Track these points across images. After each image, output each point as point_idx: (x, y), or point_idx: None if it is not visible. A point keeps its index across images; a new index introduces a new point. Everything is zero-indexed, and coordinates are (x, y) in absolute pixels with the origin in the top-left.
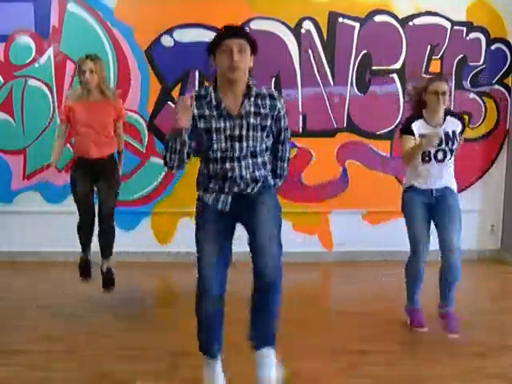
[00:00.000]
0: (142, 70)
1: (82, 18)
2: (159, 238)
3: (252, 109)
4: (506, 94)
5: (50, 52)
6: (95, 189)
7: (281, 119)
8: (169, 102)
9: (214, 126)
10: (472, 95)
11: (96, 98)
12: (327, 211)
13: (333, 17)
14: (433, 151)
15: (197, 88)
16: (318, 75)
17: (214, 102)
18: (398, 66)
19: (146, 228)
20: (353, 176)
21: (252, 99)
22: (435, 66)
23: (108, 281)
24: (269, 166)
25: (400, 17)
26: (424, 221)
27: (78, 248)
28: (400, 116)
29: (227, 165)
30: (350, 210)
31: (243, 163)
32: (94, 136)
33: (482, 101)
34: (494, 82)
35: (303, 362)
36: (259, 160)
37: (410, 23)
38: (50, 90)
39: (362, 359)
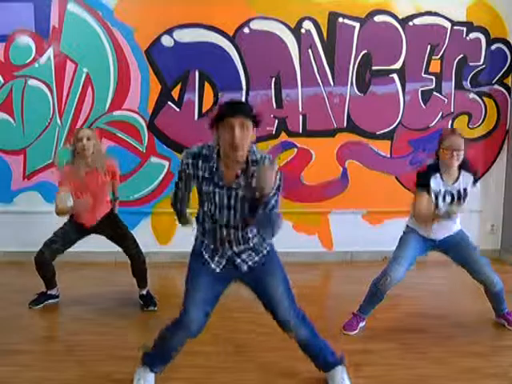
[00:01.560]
0: (142, 70)
1: (82, 18)
2: (159, 238)
3: (243, 181)
4: (506, 93)
5: (50, 52)
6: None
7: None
8: (169, 102)
9: (204, 188)
10: (472, 95)
11: (90, 166)
12: (327, 211)
13: (333, 17)
14: (443, 209)
15: (197, 148)
16: (317, 75)
17: (213, 168)
18: (397, 66)
19: (146, 228)
20: (353, 176)
21: (249, 171)
22: (435, 66)
23: (150, 302)
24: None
25: (400, 17)
26: (413, 254)
27: (78, 248)
28: (400, 116)
29: (217, 227)
30: (349, 210)
31: (231, 231)
32: (92, 205)
33: (482, 101)
34: (493, 82)
35: (303, 362)
36: (249, 229)
37: (410, 23)
38: (50, 90)
39: (362, 359)
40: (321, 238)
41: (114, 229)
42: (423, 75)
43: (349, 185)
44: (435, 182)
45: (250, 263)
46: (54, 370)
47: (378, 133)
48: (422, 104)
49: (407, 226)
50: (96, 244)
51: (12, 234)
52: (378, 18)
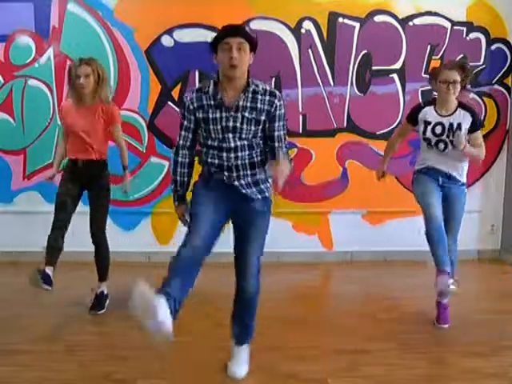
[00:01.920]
0: (142, 70)
1: (82, 18)
2: (159, 238)
3: (248, 103)
4: (506, 93)
5: (50, 52)
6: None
7: (275, 118)
8: (169, 102)
9: (210, 116)
10: (472, 95)
11: (87, 103)
12: (327, 211)
13: (333, 17)
14: (433, 141)
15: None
16: (317, 75)
17: (211, 94)
18: (397, 66)
19: (146, 228)
20: (353, 176)
21: (250, 95)
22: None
23: (98, 304)
24: (267, 167)
25: (400, 17)
26: (435, 190)
27: (79, 248)
28: (400, 116)
29: (224, 154)
30: (349, 210)
31: (239, 154)
32: (81, 142)
33: (482, 101)
34: (493, 82)
35: (303, 362)
36: (254, 153)
37: (410, 23)
38: (50, 89)
39: (361, 359)
40: (321, 238)
41: (97, 181)
42: (423, 75)
43: (349, 185)
44: (428, 113)
45: (248, 191)
46: (53, 370)
47: (377, 133)
48: (422, 104)
49: (414, 171)
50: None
51: (12, 234)
52: (378, 18)
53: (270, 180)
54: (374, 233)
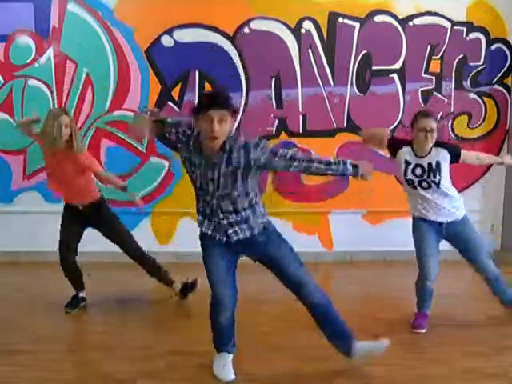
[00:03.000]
0: (142, 70)
1: (82, 18)
2: (159, 237)
3: (223, 161)
4: (506, 93)
5: (50, 52)
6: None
7: (269, 162)
8: (169, 102)
9: (192, 158)
10: (472, 95)
11: (61, 148)
12: (327, 211)
13: (333, 17)
14: (416, 181)
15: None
16: (317, 75)
17: (195, 142)
18: (397, 66)
19: (146, 228)
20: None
21: (225, 155)
22: (435, 66)
23: (187, 289)
24: (256, 208)
25: (400, 17)
26: (433, 241)
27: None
28: (400, 116)
29: (206, 197)
30: (349, 210)
31: (219, 202)
32: (72, 188)
33: (482, 101)
34: (493, 82)
35: (303, 362)
36: (237, 201)
37: (410, 23)
38: (50, 90)
39: (361, 359)
40: (321, 238)
41: (102, 218)
42: (423, 75)
43: (349, 185)
44: (407, 153)
45: (240, 236)
46: (53, 370)
47: None
48: (422, 104)
49: (413, 217)
50: (96, 244)
51: (12, 234)
52: (378, 18)
53: (262, 213)
54: (374, 233)
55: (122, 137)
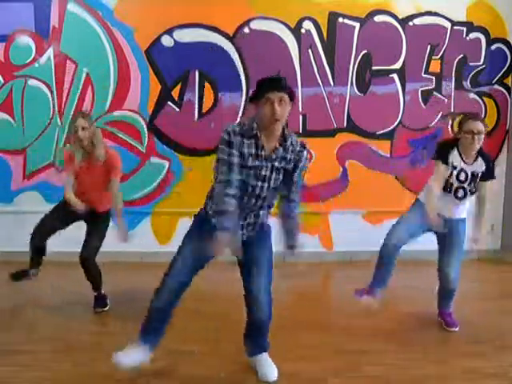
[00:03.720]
0: (142, 70)
1: (82, 18)
2: (159, 238)
3: (282, 154)
4: (506, 93)
5: (50, 52)
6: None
7: (298, 167)
8: (169, 102)
9: (249, 164)
10: (472, 95)
11: (90, 158)
12: (327, 211)
13: (333, 17)
14: (455, 186)
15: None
16: (317, 75)
17: (256, 142)
18: (397, 66)
19: (146, 228)
20: (353, 176)
21: (286, 147)
22: (435, 66)
23: (99, 302)
24: (272, 208)
25: (400, 17)
26: (416, 223)
27: (78, 247)
28: (400, 116)
29: (245, 198)
30: (349, 210)
31: (259, 202)
32: (86, 196)
33: (482, 101)
34: (493, 82)
35: (303, 362)
36: (269, 200)
37: (410, 23)
38: (50, 89)
39: (361, 359)
40: (321, 238)
41: (97, 221)
42: (423, 75)
43: (349, 185)
44: (454, 157)
45: (245, 236)
46: (53, 370)
47: (378, 133)
48: (422, 104)
49: (417, 199)
50: None
51: (12, 234)
52: (378, 18)
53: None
54: (374, 233)
55: (122, 137)
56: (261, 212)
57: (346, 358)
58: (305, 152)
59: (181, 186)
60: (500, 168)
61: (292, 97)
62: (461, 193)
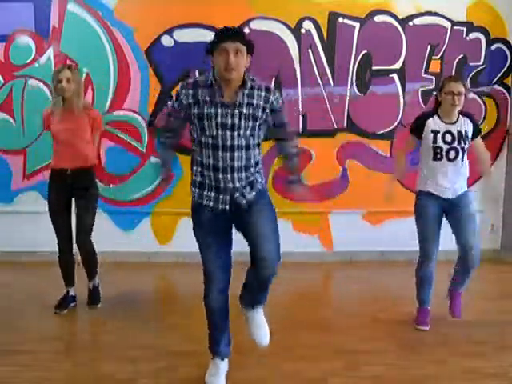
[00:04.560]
0: (142, 70)
1: (82, 18)
2: (159, 237)
3: (245, 100)
4: (506, 93)
5: (50, 52)
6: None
7: (276, 112)
8: (169, 102)
9: (206, 111)
10: (472, 95)
11: (71, 108)
12: (327, 211)
13: (333, 17)
14: (445, 149)
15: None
16: (318, 75)
17: (207, 91)
18: (397, 66)
19: (146, 228)
20: (353, 176)
21: (246, 91)
22: (435, 66)
23: (94, 298)
24: (260, 166)
25: (400, 17)
26: (435, 222)
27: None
28: (400, 116)
29: (219, 153)
30: (349, 210)
31: (235, 154)
32: (70, 148)
33: (482, 101)
34: (493, 82)
35: (303, 362)
36: (251, 154)
37: (410, 23)
38: (50, 90)
39: (361, 359)
40: (321, 238)
41: (84, 191)
42: (423, 75)
43: (349, 185)
44: (434, 122)
45: (248, 197)
46: (54, 370)
47: (378, 133)
48: (422, 104)
49: (418, 191)
50: (95, 244)
51: (12, 234)
52: (378, 18)
53: (261, 173)
54: (374, 233)
55: (122, 137)
56: (250, 171)
57: (346, 358)
58: (271, 95)
59: (180, 185)
60: (500, 168)
61: (251, 49)
62: (452, 154)
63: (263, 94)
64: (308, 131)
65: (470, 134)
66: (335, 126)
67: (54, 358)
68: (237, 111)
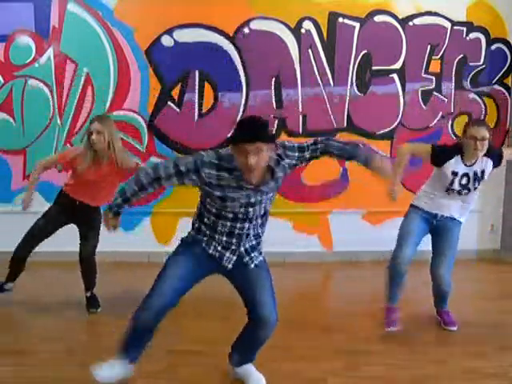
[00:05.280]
0: (142, 70)
1: (82, 18)
2: (159, 238)
3: (270, 179)
4: (506, 93)
5: (50, 52)
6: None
7: (293, 164)
8: (169, 102)
9: (229, 195)
10: (472, 95)
11: (104, 161)
12: (327, 211)
13: (333, 17)
14: (457, 189)
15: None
16: (317, 75)
17: (234, 174)
18: (397, 66)
19: (146, 228)
20: (353, 176)
21: (272, 173)
22: (435, 66)
23: (94, 303)
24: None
25: (400, 17)
26: (416, 231)
27: (77, 248)
28: (400, 116)
29: (237, 224)
30: (349, 210)
31: (253, 223)
32: (92, 192)
33: (482, 101)
34: (493, 82)
35: (303, 362)
36: (266, 219)
37: (410, 23)
38: (50, 89)
39: (362, 359)
40: (321, 238)
41: (91, 219)
42: (423, 75)
43: (349, 185)
44: (455, 162)
45: (256, 262)
46: (54, 370)
47: (378, 133)
48: (422, 104)
49: (411, 205)
50: None
51: (12, 234)
52: (378, 18)
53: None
54: (374, 233)
55: (122, 137)
56: (260, 230)
57: (345, 358)
58: (286, 159)
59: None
60: (500, 168)
61: (271, 140)
62: (465, 192)
63: (282, 163)
64: (308, 131)
65: (488, 171)
66: (335, 126)
67: (54, 358)
68: (263, 195)
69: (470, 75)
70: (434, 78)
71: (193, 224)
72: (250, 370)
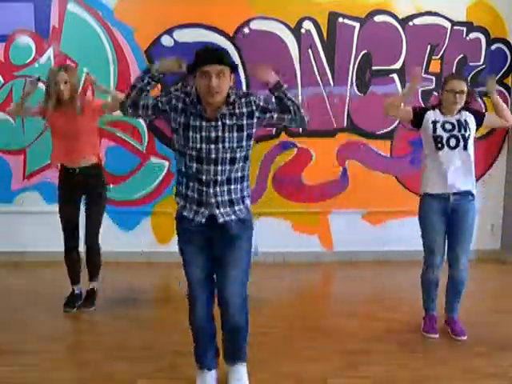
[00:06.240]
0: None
1: (82, 18)
2: (159, 238)
3: (227, 111)
4: (506, 93)
5: (50, 52)
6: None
7: (267, 105)
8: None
9: (191, 123)
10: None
11: (69, 107)
12: (327, 211)
13: (333, 17)
14: (445, 137)
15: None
16: (318, 75)
17: (193, 103)
18: (397, 66)
19: (146, 228)
20: (353, 176)
21: (229, 105)
22: (435, 66)
23: (89, 301)
24: (246, 183)
25: (400, 17)
26: (440, 229)
27: (80, 248)
28: None
29: (203, 166)
30: (349, 210)
31: (219, 168)
32: (72, 145)
33: (482, 101)
34: None
35: (303, 362)
36: (236, 167)
37: (410, 23)
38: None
39: (361, 359)
40: (321, 238)
41: (94, 189)
42: (423, 75)
43: (349, 185)
44: (433, 114)
45: (226, 218)
46: (54, 370)
47: (377, 133)
48: (422, 104)
49: (423, 194)
50: None
51: (12, 234)
52: (378, 18)
53: (247, 201)
54: (374, 233)
55: (122, 137)
56: (232, 186)
57: (345, 358)
58: (251, 97)
59: None
60: (500, 168)
61: (234, 69)
62: (453, 141)
63: (243, 100)
64: (308, 131)
65: (472, 125)
66: (335, 126)
67: (55, 358)
68: (220, 123)
69: (470, 75)
70: (434, 78)
71: (175, 192)
72: (234, 372)
